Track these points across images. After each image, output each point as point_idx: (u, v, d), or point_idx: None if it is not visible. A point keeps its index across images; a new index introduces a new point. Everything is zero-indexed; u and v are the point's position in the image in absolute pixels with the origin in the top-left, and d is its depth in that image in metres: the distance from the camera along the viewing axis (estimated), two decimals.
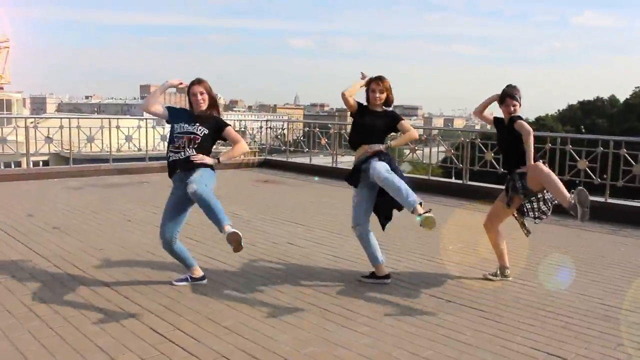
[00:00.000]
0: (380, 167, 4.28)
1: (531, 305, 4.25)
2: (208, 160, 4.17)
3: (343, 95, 4.71)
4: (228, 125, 4.44)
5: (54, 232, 6.05)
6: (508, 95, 4.66)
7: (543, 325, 3.87)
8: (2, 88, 61.73)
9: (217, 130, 4.31)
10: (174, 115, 4.36)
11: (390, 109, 4.85)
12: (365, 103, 4.76)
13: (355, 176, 4.58)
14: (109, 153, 11.04)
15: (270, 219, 7.10)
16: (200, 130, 4.21)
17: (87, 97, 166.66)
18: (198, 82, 4.28)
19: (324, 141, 12.31)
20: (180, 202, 4.22)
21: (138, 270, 4.75)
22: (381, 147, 4.59)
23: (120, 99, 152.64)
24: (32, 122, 10.76)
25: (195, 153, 4.16)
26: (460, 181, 9.74)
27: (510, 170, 4.69)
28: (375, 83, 4.66)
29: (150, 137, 11.93)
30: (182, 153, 4.18)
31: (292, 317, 3.87)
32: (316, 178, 11.10)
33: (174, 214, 4.24)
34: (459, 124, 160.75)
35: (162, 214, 4.31)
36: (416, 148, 10.90)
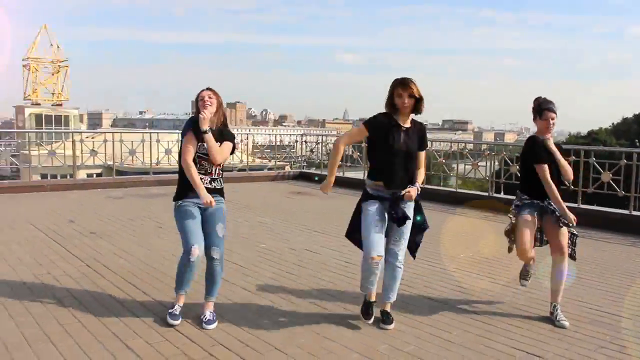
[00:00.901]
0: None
1: (524, 310, 4.43)
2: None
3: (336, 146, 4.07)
4: (231, 140, 4.13)
5: (90, 236, 6.57)
6: (546, 109, 4.28)
7: (530, 327, 4.06)
8: (61, 104, 64.86)
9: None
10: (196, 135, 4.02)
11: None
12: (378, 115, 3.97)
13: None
14: (149, 165, 11.67)
15: (293, 227, 7.46)
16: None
17: (140, 113, 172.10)
18: (207, 88, 4.09)
19: (355, 155, 12.65)
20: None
21: (160, 271, 5.16)
22: (415, 189, 3.89)
23: (173, 114, 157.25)
24: (79, 137, 11.49)
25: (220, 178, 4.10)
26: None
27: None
28: (401, 87, 3.87)
29: None
30: (208, 178, 4.02)
31: (290, 314, 4.20)
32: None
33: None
34: (509, 138, 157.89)
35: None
36: (478, 164, 10.54)
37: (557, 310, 4.22)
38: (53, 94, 64.48)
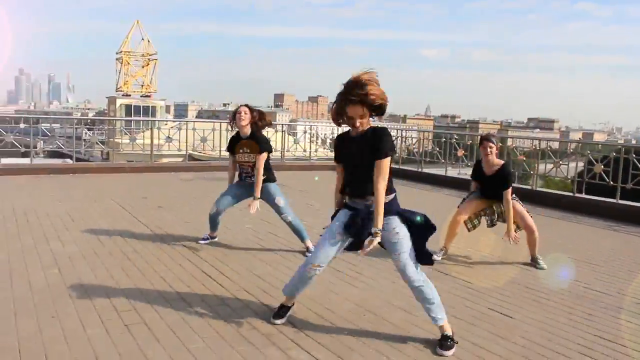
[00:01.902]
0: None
1: (516, 283, 4.99)
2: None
3: None
4: (263, 144, 5.47)
5: (158, 209, 7.65)
6: (485, 139, 5.59)
7: (514, 295, 4.64)
8: (149, 96, 68.62)
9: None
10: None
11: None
12: None
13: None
14: (218, 152, 12.81)
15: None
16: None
17: (224, 105, 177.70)
18: (245, 105, 5.62)
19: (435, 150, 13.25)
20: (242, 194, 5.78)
21: (218, 241, 6.09)
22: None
23: (256, 106, 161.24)
24: (166, 125, 12.81)
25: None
26: (612, 200, 8.82)
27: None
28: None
29: None
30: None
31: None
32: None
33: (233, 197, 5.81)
34: (598, 138, 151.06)
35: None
36: (561, 163, 10.49)
37: (537, 259, 5.54)
38: (142, 85, 68.32)
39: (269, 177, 5.58)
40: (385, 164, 3.45)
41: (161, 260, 5.15)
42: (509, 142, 11.53)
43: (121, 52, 67.91)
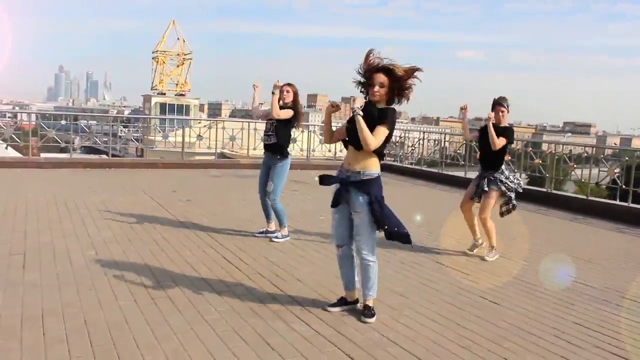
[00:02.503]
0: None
1: (508, 274, 5.34)
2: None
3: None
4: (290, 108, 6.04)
5: (186, 202, 8.22)
6: (497, 104, 5.91)
7: (498, 281, 5.06)
8: (183, 94, 70.05)
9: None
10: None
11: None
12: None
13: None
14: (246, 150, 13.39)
15: None
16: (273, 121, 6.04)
17: (260, 104, 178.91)
18: (288, 84, 6.12)
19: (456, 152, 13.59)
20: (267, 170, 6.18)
21: (233, 226, 6.62)
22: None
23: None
24: (199, 123, 13.43)
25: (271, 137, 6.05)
26: (624, 203, 8.81)
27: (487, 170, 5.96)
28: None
29: None
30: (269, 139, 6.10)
31: (321, 257, 5.51)
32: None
33: (264, 179, 6.18)
34: (637, 143, 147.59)
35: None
36: (575, 166, 10.51)
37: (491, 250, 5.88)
38: (177, 84, 69.78)
39: (282, 151, 6.11)
40: (380, 130, 3.78)
41: (186, 246, 5.68)
42: (545, 146, 11.53)
43: (157, 51, 69.50)
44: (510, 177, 5.96)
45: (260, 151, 14.82)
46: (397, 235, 3.93)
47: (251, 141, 13.45)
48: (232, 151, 15.49)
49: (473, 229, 6.12)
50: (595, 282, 5.29)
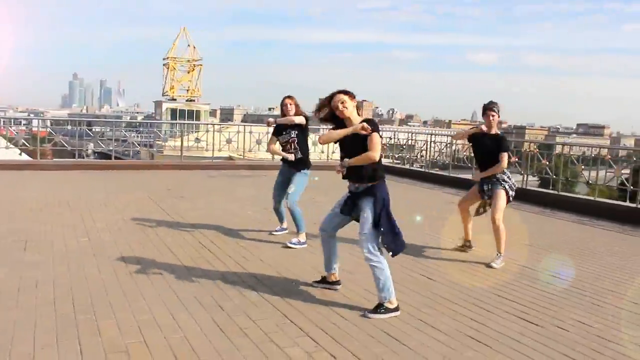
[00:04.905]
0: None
1: (502, 271, 5.66)
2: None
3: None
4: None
5: (178, 199, 8.98)
6: (487, 108, 5.97)
7: (489, 277, 5.46)
8: (194, 100, 71.12)
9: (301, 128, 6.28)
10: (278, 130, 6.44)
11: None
12: None
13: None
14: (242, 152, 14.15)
15: None
16: (293, 133, 6.29)
17: (270, 109, 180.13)
18: (288, 97, 6.36)
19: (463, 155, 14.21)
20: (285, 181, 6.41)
21: (220, 222, 7.33)
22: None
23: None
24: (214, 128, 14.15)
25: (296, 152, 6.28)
26: (633, 205, 8.74)
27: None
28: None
29: None
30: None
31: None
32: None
33: (281, 192, 6.42)
34: None
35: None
36: (583, 168, 10.46)
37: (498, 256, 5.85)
38: (187, 90, 70.83)
39: (307, 163, 6.39)
40: (373, 139, 4.13)
41: (169, 234, 6.43)
42: (559, 148, 11.70)
43: (168, 58, 70.61)
44: (511, 177, 6.19)
45: (255, 153, 15.80)
46: (388, 244, 4.21)
47: (247, 144, 14.20)
48: (230, 153, 16.24)
49: (466, 230, 6.33)
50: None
